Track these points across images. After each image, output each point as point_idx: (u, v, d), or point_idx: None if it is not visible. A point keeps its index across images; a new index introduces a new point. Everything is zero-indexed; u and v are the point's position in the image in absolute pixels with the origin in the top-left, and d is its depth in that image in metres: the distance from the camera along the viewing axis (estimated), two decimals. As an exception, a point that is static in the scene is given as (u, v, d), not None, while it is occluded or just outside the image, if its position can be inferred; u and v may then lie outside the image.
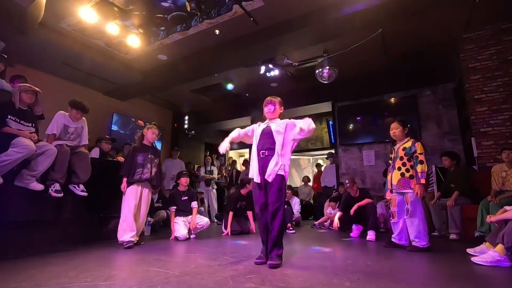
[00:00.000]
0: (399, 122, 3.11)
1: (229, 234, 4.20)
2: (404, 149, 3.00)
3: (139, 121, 5.19)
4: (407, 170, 2.94)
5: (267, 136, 2.43)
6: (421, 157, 2.86)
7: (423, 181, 2.82)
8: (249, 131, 2.65)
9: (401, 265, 2.37)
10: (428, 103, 5.73)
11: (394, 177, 3.02)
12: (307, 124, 2.32)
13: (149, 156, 3.35)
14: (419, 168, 2.84)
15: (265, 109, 2.57)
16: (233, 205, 4.45)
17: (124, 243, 3.01)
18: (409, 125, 3.14)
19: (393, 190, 3.07)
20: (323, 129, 8.87)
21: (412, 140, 3.01)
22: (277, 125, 2.45)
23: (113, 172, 3.52)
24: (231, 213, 4.34)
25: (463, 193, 3.79)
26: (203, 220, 3.98)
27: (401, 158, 3.00)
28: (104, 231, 3.55)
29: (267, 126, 2.51)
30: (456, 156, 4.16)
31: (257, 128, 2.57)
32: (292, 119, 2.48)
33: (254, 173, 2.42)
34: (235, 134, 2.67)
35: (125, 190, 3.18)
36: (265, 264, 2.20)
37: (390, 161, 3.18)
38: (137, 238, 3.24)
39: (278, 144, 2.36)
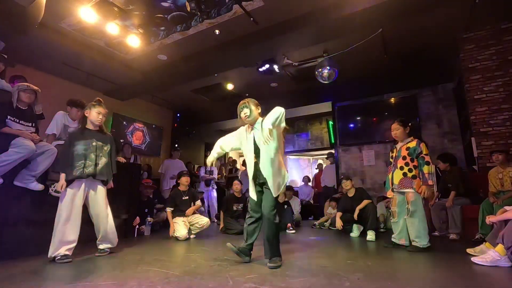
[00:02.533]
0: (399, 122, 3.09)
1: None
2: (407, 148, 2.98)
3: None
4: (410, 170, 2.92)
5: (257, 149, 2.34)
6: (427, 158, 2.84)
7: (430, 182, 2.80)
8: (233, 137, 2.53)
9: (401, 265, 2.37)
10: (428, 103, 5.73)
11: (396, 176, 3.01)
12: (274, 115, 2.13)
13: (94, 143, 2.66)
14: (425, 169, 2.81)
15: (242, 115, 2.37)
16: (225, 206, 4.74)
17: (57, 258, 2.38)
18: (410, 124, 3.12)
19: (394, 189, 3.06)
20: (323, 129, 8.87)
21: (417, 140, 2.98)
22: (259, 133, 2.29)
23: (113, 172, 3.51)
24: (222, 212, 4.79)
25: (459, 193, 3.80)
26: (203, 220, 3.99)
27: (404, 158, 2.97)
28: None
29: (251, 136, 2.38)
30: (449, 157, 4.16)
31: (245, 139, 2.45)
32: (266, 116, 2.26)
33: (249, 184, 2.40)
34: (217, 148, 2.57)
35: (63, 190, 2.50)
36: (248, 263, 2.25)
37: (391, 160, 3.16)
38: (112, 246, 2.80)
39: (267, 159, 2.26)
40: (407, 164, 2.94)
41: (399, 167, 2.99)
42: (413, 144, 2.96)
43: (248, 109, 2.34)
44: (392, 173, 3.06)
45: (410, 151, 2.95)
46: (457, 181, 3.86)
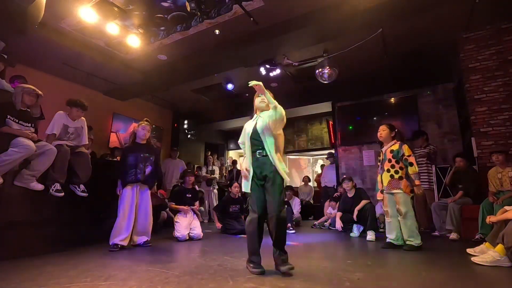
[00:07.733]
0: (387, 125, 3.24)
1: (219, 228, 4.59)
2: (391, 151, 3.10)
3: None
4: (396, 172, 3.04)
5: (257, 135, 2.21)
6: (411, 159, 2.97)
7: (417, 182, 2.93)
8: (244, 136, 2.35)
9: (401, 265, 2.38)
10: (428, 103, 5.73)
11: (384, 178, 3.13)
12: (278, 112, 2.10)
13: (141, 155, 3.28)
14: (410, 170, 2.95)
15: (258, 100, 2.32)
16: (221, 207, 4.77)
17: (110, 247, 2.93)
18: (396, 130, 3.24)
19: (384, 191, 3.17)
20: (323, 129, 8.86)
21: (399, 143, 3.10)
22: (263, 120, 2.21)
23: (113, 172, 3.52)
24: (214, 213, 4.90)
25: (468, 194, 3.84)
26: (199, 231, 3.86)
27: (389, 160, 3.10)
28: (104, 231, 3.55)
29: (255, 124, 2.26)
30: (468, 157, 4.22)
31: (247, 127, 2.33)
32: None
33: (248, 175, 2.18)
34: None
35: (121, 193, 3.17)
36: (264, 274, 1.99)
37: (379, 163, 3.28)
38: (148, 239, 3.26)
39: (269, 145, 2.15)
40: (393, 166, 3.07)
41: (386, 170, 3.12)
42: (396, 146, 3.09)
43: (265, 97, 2.23)
44: (381, 176, 3.18)
45: (394, 154, 3.08)
46: (469, 183, 3.90)
